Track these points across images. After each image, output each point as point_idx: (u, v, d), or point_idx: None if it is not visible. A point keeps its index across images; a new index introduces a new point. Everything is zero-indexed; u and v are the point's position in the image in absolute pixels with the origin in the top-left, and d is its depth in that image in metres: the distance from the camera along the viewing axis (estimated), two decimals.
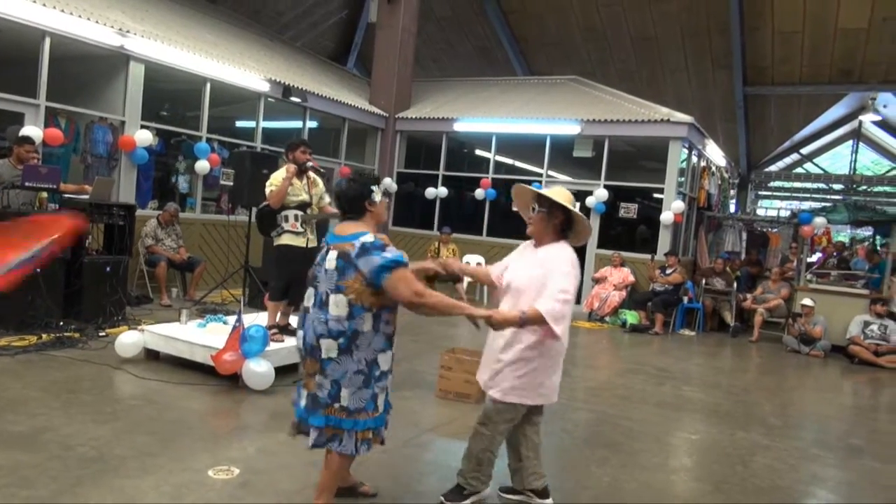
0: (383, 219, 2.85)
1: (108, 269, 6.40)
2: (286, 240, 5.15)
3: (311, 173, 5.35)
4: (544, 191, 3.05)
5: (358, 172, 2.89)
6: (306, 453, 3.33)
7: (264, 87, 9.64)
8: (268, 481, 3.26)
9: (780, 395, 6.60)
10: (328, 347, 2.63)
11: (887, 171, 19.82)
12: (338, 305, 2.62)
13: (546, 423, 4.64)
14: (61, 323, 5.86)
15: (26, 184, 5.83)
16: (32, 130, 6.72)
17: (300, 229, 5.14)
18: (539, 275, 2.92)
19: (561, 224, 3.02)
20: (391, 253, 2.61)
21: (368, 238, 2.63)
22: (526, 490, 3.24)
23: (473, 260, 11.27)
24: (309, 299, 2.74)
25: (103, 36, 7.37)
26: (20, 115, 6.92)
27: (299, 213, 5.19)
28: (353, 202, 2.72)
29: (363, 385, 2.67)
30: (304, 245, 5.18)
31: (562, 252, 2.96)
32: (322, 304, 2.66)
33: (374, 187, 2.73)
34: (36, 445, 3.43)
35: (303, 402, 2.77)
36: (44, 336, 5.52)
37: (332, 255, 2.67)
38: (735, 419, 5.30)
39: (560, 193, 3.03)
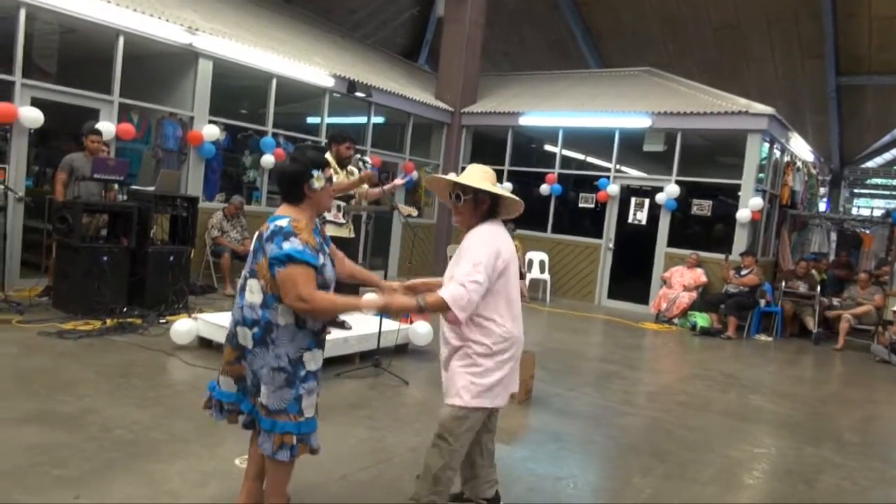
0: (325, 206, 2.59)
1: (171, 258, 6.62)
2: (329, 231, 5.13)
3: (351, 166, 5.30)
4: (462, 177, 2.73)
5: (302, 151, 2.52)
6: (331, 444, 3.29)
7: (329, 82, 9.75)
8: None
9: (862, 409, 6.05)
10: (243, 336, 2.44)
11: None
12: (252, 291, 2.41)
13: (589, 429, 4.46)
14: (125, 309, 6.10)
15: (94, 175, 6.10)
16: (106, 125, 7.04)
17: (342, 220, 5.13)
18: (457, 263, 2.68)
19: (489, 207, 2.74)
20: (291, 244, 2.32)
21: (282, 222, 2.37)
22: (479, 499, 2.95)
23: (537, 258, 11.04)
24: (240, 282, 2.55)
25: (173, 34, 7.64)
26: (96, 111, 7.26)
27: (342, 203, 5.18)
28: (290, 185, 2.45)
29: (285, 384, 2.41)
30: (347, 235, 5.20)
31: (478, 233, 2.69)
32: (242, 289, 2.47)
33: (315, 171, 2.44)
34: (78, 426, 3.55)
35: (230, 388, 2.57)
36: (108, 321, 5.76)
37: (256, 236, 2.46)
38: (806, 433, 4.88)
39: (479, 176, 2.73)
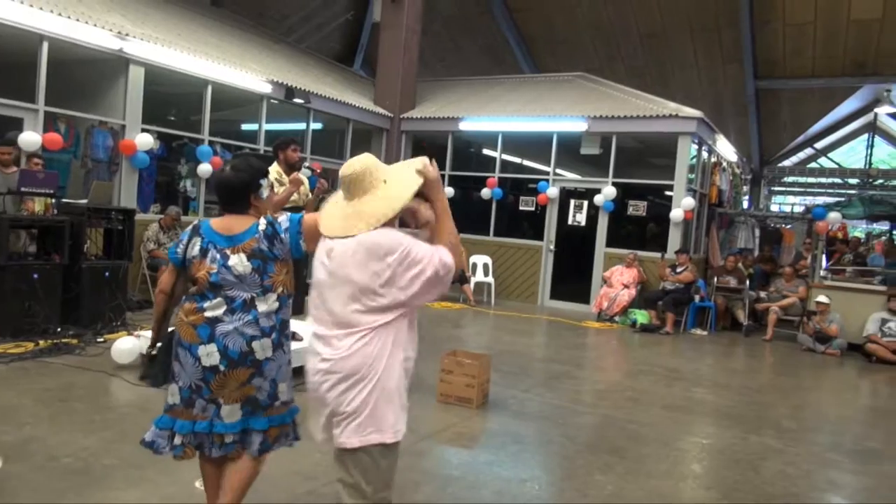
0: (264, 213, 2.55)
1: (106, 274, 6.34)
2: None
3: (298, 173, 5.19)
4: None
5: (245, 161, 2.54)
6: (293, 459, 3.23)
7: (266, 88, 9.56)
8: (253, 492, 3.13)
9: (795, 396, 6.40)
10: (262, 348, 2.38)
11: None
12: (268, 302, 2.41)
13: (547, 429, 4.55)
14: (59, 329, 5.79)
15: (22, 189, 5.77)
16: (31, 136, 6.67)
17: None
18: None
19: None
20: (284, 221, 2.42)
21: (262, 224, 2.40)
22: None
23: (480, 261, 11.14)
24: (218, 308, 2.36)
25: (102, 39, 7.31)
26: (19, 121, 6.88)
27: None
28: (237, 195, 2.46)
29: (290, 373, 2.55)
30: None
31: None
32: (247, 308, 2.38)
33: (262, 180, 2.49)
34: (21, 456, 3.35)
35: (233, 418, 2.41)
36: (41, 343, 5.45)
37: (239, 258, 2.36)
38: (747, 422, 5.13)
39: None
